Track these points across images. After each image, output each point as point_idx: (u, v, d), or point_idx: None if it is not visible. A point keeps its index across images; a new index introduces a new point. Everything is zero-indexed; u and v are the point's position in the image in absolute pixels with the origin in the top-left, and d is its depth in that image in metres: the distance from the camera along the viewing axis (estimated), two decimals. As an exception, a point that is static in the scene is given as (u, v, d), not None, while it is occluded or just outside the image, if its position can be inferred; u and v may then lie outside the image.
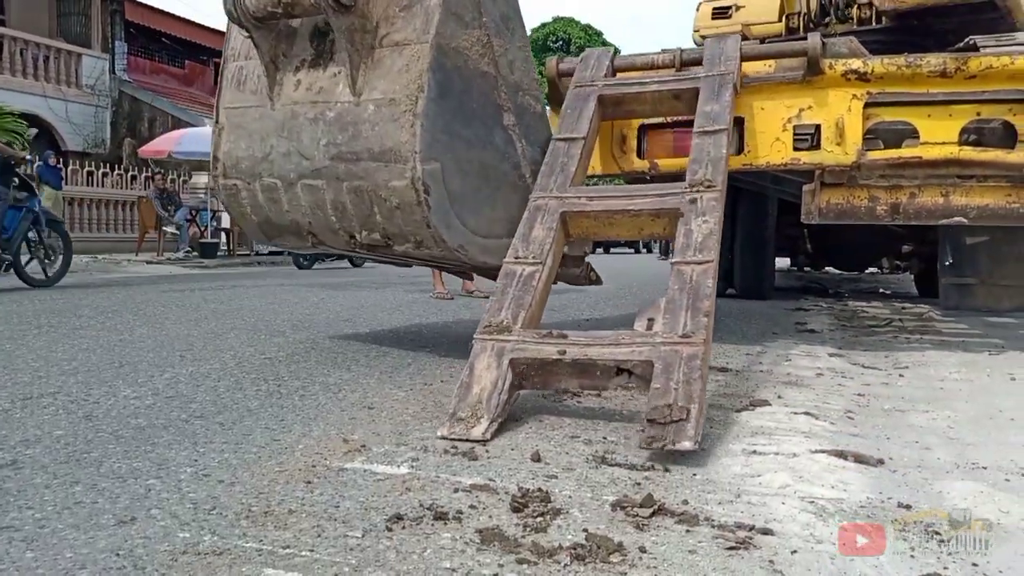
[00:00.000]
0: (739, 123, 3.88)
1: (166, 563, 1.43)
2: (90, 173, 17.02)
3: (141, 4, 21.90)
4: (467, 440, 2.23)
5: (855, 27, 7.65)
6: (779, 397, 2.99)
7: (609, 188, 3.30)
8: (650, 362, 2.33)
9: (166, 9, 22.87)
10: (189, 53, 24.13)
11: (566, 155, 3.29)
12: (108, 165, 17.67)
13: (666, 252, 23.42)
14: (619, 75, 3.88)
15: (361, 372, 3.31)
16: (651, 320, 2.81)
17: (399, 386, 3.05)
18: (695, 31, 9.39)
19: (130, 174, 17.80)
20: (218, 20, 35.60)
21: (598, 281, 4.07)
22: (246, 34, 3.14)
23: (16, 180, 7.35)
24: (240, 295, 6.96)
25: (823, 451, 2.21)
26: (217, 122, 3.42)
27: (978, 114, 3.61)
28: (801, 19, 8.14)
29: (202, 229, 15.54)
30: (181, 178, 18.00)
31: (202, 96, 23.98)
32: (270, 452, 2.13)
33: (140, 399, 2.74)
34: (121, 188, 17.50)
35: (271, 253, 16.85)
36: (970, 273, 5.67)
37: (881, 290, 9.58)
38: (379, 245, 3.19)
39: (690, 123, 4.00)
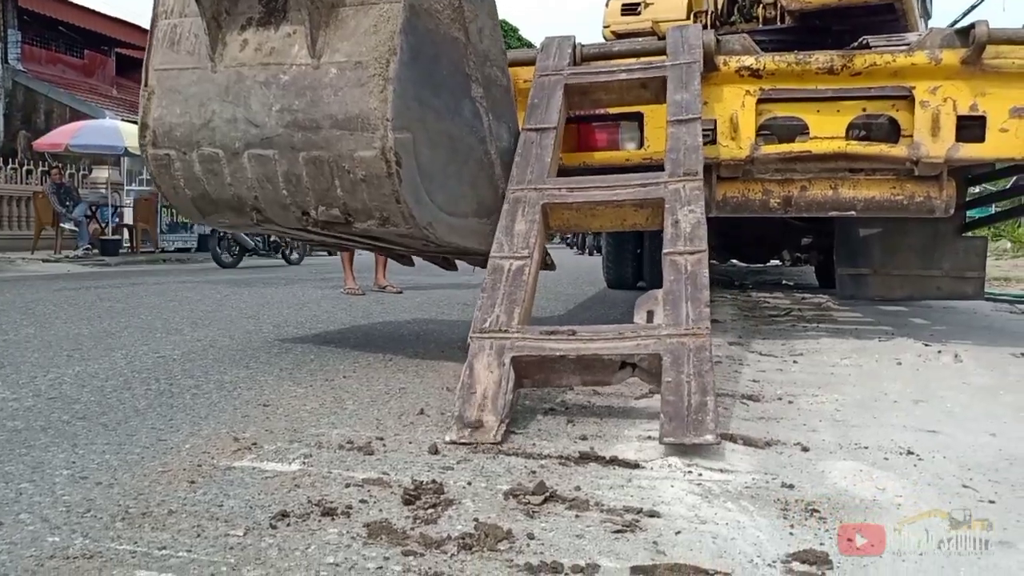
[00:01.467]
0: (639, 119, 3.95)
1: (31, 568, 1.36)
2: (-16, 169, 16.14)
3: (35, -10, 20.87)
4: (479, 443, 2.15)
5: (760, 26, 7.88)
6: (678, 385, 3.05)
7: (588, 179, 3.22)
8: (657, 355, 2.31)
9: (64, -3, 21.82)
10: (88, 42, 23.04)
11: (539, 145, 3.23)
12: (1, 159, 16.77)
13: (583, 247, 23.67)
14: (582, 64, 3.86)
15: (260, 369, 3.23)
16: (651, 313, 2.76)
17: (298, 383, 2.98)
18: (605, 27, 9.51)
19: (25, 168, 16.93)
20: (119, 8, 34.05)
21: (552, 266, 4.05)
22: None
23: None
24: (139, 293, 6.70)
25: (714, 435, 2.26)
26: (146, 85, 3.07)
27: (864, 110, 3.76)
28: (708, 17, 8.33)
29: (103, 225, 14.90)
30: (80, 172, 17.23)
31: (103, 87, 23.02)
32: (154, 452, 2.05)
33: (19, 400, 2.61)
34: (15, 183, 16.63)
35: (178, 250, 16.33)
36: (864, 263, 5.90)
37: (784, 281, 9.91)
38: (337, 222, 2.94)
39: (594, 118, 4.06)
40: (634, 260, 8.51)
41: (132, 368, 3.20)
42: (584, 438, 2.24)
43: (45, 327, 4.35)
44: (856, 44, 5.97)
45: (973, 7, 9.76)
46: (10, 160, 17.01)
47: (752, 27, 8.05)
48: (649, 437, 2.24)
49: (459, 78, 3.02)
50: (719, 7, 8.40)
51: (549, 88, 3.55)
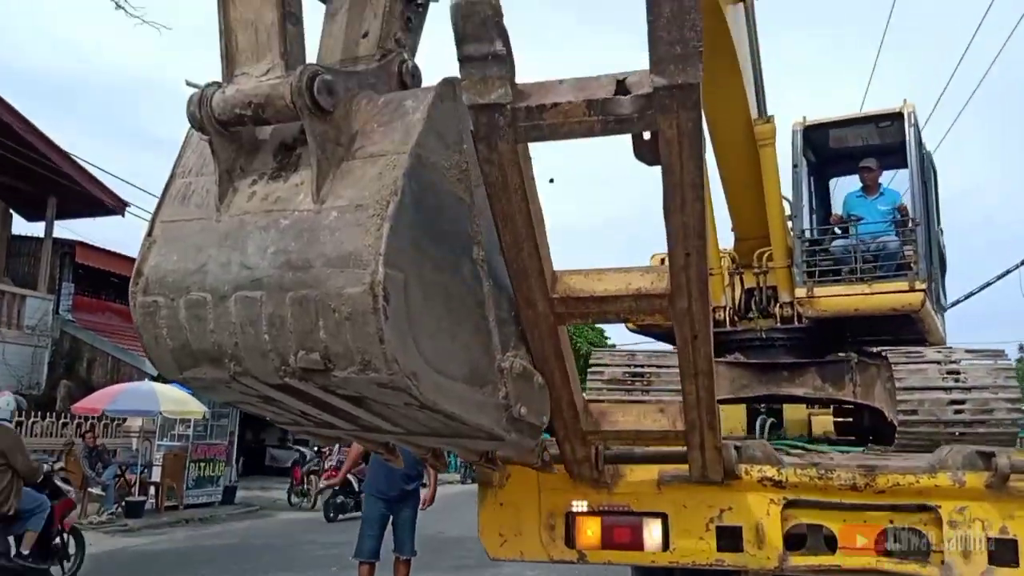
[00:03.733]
0: (663, 518, 3.94)
1: None
2: (19, 423, 16.47)
3: (92, 247, 22.27)
4: None
5: (778, 323, 8.07)
6: None
7: None
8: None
9: (116, 250, 23.27)
10: (137, 290, 24.29)
11: None
12: (40, 409, 17.17)
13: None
14: None
15: None
16: None
17: None
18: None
19: (62, 421, 17.25)
20: None
21: (550, 466, 3.77)
22: (206, 139, 2.91)
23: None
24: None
25: None
26: (150, 235, 3.00)
27: (891, 521, 3.72)
28: (727, 313, 8.55)
29: (131, 483, 14.91)
30: (115, 422, 17.54)
31: (146, 332, 23.95)
32: None
33: None
34: (52, 436, 16.90)
35: (202, 505, 16.22)
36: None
37: None
38: (316, 369, 2.74)
39: (617, 512, 4.06)
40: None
41: None
42: None
43: None
44: (875, 351, 6.13)
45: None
46: (49, 409, 17.39)
47: (770, 324, 8.24)
48: None
49: (461, 236, 2.99)
50: (737, 303, 8.65)
51: None
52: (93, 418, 15.75)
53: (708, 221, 8.82)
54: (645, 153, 2.55)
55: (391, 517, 7.05)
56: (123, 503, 14.35)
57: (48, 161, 18.94)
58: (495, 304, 3.20)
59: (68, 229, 22.54)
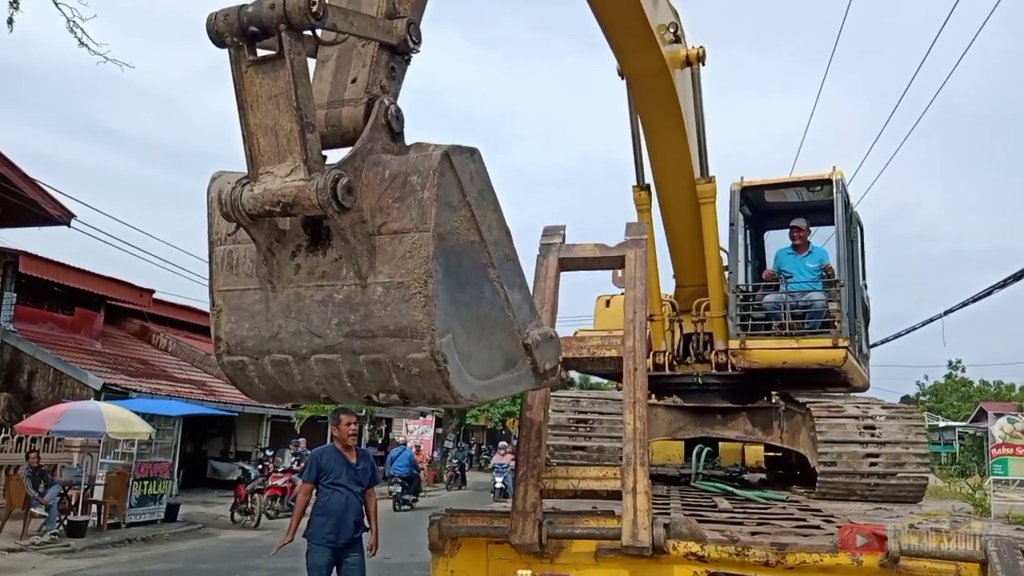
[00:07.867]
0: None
1: None
2: (-44, 437, 16.23)
3: (36, 257, 21.84)
4: None
5: (713, 369, 8.56)
6: None
7: None
8: None
9: (61, 260, 22.81)
10: (79, 300, 23.93)
11: None
12: (-23, 424, 16.92)
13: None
14: None
15: None
16: None
17: None
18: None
19: (2, 436, 17.00)
20: (107, 268, 32.83)
21: (566, 386, 4.38)
22: (234, 228, 3.34)
23: None
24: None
25: None
26: (214, 305, 3.48)
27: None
28: (666, 357, 9.01)
29: (71, 501, 14.78)
30: (56, 437, 17.32)
31: (88, 342, 23.60)
32: None
33: None
34: (-8, 451, 16.66)
35: (144, 523, 16.14)
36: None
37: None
38: (396, 403, 3.42)
39: None
40: None
41: None
42: None
43: None
44: (801, 402, 6.67)
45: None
46: (-11, 425, 17.12)
47: (706, 369, 8.74)
48: None
49: (479, 270, 3.45)
50: (675, 348, 9.12)
51: None
52: (34, 443, 15.59)
53: (652, 273, 9.31)
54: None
55: (336, 565, 7.19)
56: (65, 522, 14.24)
57: (-7, 171, 18.64)
58: (511, 302, 3.68)
59: (9, 239, 22.09)
